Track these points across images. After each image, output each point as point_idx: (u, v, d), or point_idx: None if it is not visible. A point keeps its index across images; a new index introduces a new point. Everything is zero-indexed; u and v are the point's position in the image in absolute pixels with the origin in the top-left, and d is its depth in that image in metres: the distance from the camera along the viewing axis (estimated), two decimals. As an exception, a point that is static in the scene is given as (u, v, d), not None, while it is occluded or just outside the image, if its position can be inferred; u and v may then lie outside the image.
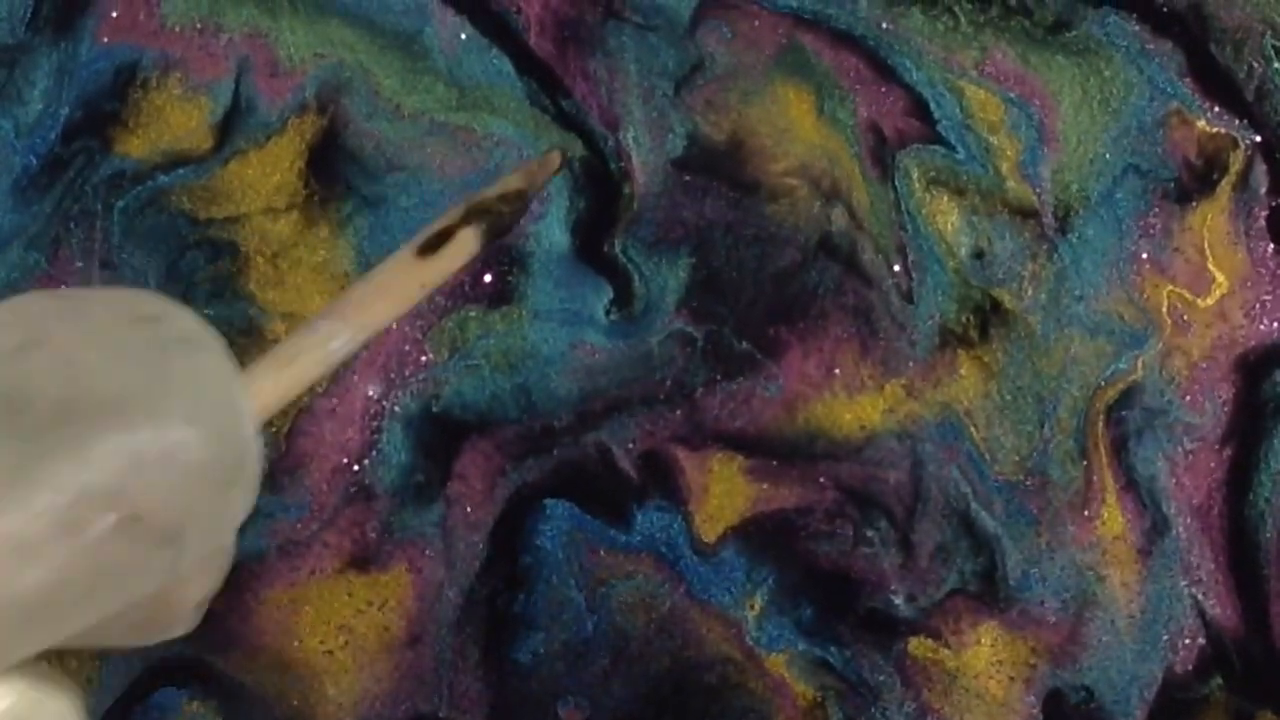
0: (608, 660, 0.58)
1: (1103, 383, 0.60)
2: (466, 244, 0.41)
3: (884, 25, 0.61)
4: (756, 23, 0.61)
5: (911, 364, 0.60)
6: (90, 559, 0.26)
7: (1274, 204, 0.61)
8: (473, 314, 0.59)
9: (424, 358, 0.59)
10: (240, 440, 0.30)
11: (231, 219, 0.59)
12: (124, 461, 0.27)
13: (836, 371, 0.60)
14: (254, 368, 0.32)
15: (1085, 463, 0.60)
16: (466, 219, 0.41)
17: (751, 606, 0.59)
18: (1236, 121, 0.61)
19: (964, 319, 0.60)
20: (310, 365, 0.34)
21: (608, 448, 0.59)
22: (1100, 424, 0.60)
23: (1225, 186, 0.61)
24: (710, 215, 0.60)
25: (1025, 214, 0.61)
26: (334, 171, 0.59)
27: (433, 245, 0.40)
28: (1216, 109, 0.61)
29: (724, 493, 0.59)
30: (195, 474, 0.28)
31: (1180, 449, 0.60)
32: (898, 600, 0.59)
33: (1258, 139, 0.61)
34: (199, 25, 0.60)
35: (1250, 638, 0.60)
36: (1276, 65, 0.61)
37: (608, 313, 0.60)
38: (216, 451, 0.29)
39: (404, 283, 0.38)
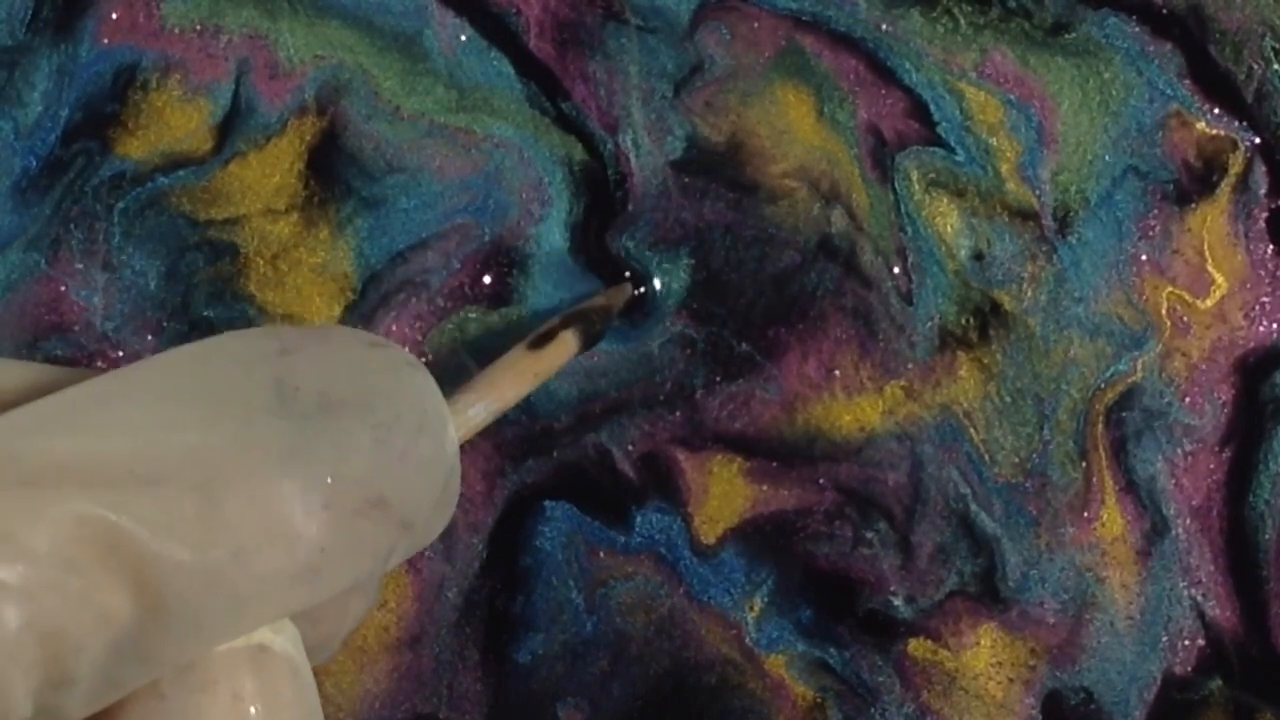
0: (607, 661, 0.58)
1: (1102, 384, 0.60)
2: (568, 343, 0.51)
3: (884, 27, 0.61)
4: (756, 24, 0.61)
5: (911, 365, 0.60)
6: (346, 532, 0.30)
7: (1274, 206, 0.61)
8: (473, 315, 0.59)
9: (424, 359, 0.59)
10: (453, 453, 0.34)
11: (231, 220, 0.59)
12: (374, 452, 0.31)
13: (836, 373, 0.60)
14: None
15: (1085, 464, 0.60)
16: (566, 323, 0.51)
17: (751, 608, 0.59)
18: (1236, 123, 0.61)
19: (963, 321, 0.60)
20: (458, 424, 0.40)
21: (607, 449, 0.59)
22: (1100, 425, 0.60)
23: (1225, 188, 0.61)
24: (710, 217, 0.60)
25: (1025, 216, 0.61)
26: (334, 173, 0.60)
27: (539, 343, 0.49)
28: (1216, 111, 0.61)
29: (723, 494, 0.59)
30: (424, 472, 0.33)
31: (1180, 450, 0.60)
32: (897, 601, 0.59)
33: (1257, 141, 0.61)
34: (199, 27, 0.60)
35: (1250, 639, 0.60)
36: (1276, 67, 0.61)
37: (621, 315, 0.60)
38: (439, 457, 0.33)
39: (521, 369, 0.47)
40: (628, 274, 0.59)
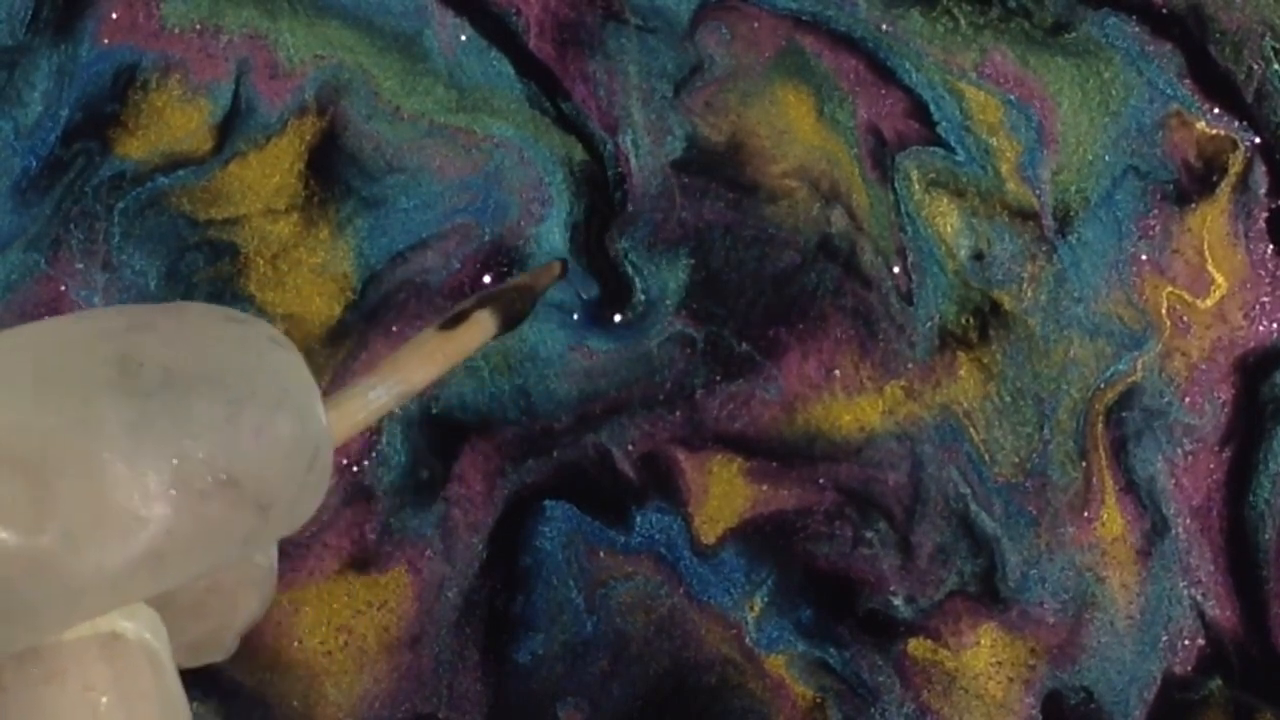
0: (607, 661, 0.58)
1: (1102, 384, 0.60)
2: (483, 324, 0.47)
3: (884, 27, 0.61)
4: (756, 24, 0.61)
5: (911, 365, 0.60)
6: (193, 515, 0.28)
7: (1273, 205, 0.61)
8: (472, 315, 0.59)
9: (424, 359, 0.59)
10: (318, 431, 0.32)
11: (231, 220, 0.59)
12: (224, 429, 0.29)
13: (836, 373, 0.60)
14: None
15: (1085, 464, 0.60)
16: (482, 304, 0.48)
17: (751, 607, 0.59)
18: (1236, 123, 0.61)
19: (963, 320, 0.60)
20: (351, 413, 0.38)
21: (607, 449, 0.59)
22: (1100, 425, 0.60)
23: (1225, 188, 0.61)
24: (709, 217, 0.60)
25: (1025, 216, 0.61)
26: (334, 173, 0.60)
27: (452, 323, 0.46)
28: (1216, 110, 0.61)
29: (723, 494, 0.59)
30: (283, 451, 0.30)
31: (1180, 450, 0.60)
32: (897, 601, 0.59)
33: (1257, 140, 0.61)
34: (199, 27, 0.60)
35: (1249, 639, 0.60)
36: (1276, 67, 0.61)
37: (612, 315, 0.60)
38: (301, 435, 0.31)
39: (430, 352, 0.44)
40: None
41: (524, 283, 0.51)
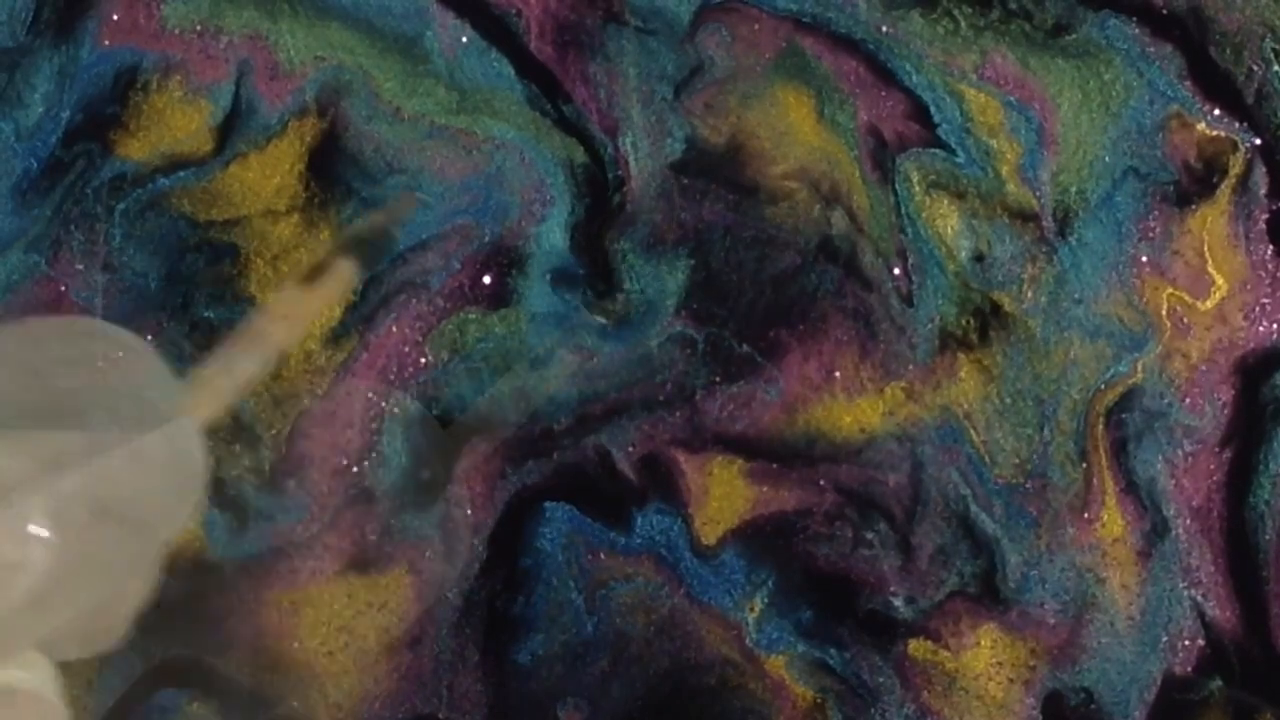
0: (607, 662, 0.59)
1: (1102, 385, 0.60)
2: (345, 272, 0.48)
3: (884, 29, 0.61)
4: (756, 26, 0.61)
5: (911, 367, 0.60)
6: (75, 550, 0.28)
7: (1274, 207, 0.61)
8: (472, 316, 0.59)
9: (423, 360, 0.59)
10: (187, 438, 0.33)
11: (232, 221, 0.59)
12: (91, 458, 0.29)
13: (836, 374, 0.60)
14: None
15: (1085, 465, 0.60)
16: (341, 251, 0.48)
17: (751, 608, 0.59)
18: (1236, 124, 0.61)
19: (964, 322, 0.60)
20: (216, 391, 0.38)
21: (607, 451, 0.59)
22: (1100, 426, 0.60)
23: (1225, 189, 0.61)
24: (709, 218, 0.60)
25: (1025, 217, 0.61)
26: (334, 174, 0.60)
27: (313, 276, 0.47)
28: (1216, 112, 0.61)
29: (724, 495, 0.59)
30: (154, 470, 0.31)
31: (1180, 451, 0.60)
32: (897, 602, 0.59)
33: (1258, 142, 0.61)
34: (199, 28, 0.60)
35: (1249, 639, 0.60)
36: (1276, 68, 0.61)
37: (607, 315, 0.60)
38: (169, 449, 0.31)
39: (291, 310, 0.45)
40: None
41: (377, 221, 0.49)
